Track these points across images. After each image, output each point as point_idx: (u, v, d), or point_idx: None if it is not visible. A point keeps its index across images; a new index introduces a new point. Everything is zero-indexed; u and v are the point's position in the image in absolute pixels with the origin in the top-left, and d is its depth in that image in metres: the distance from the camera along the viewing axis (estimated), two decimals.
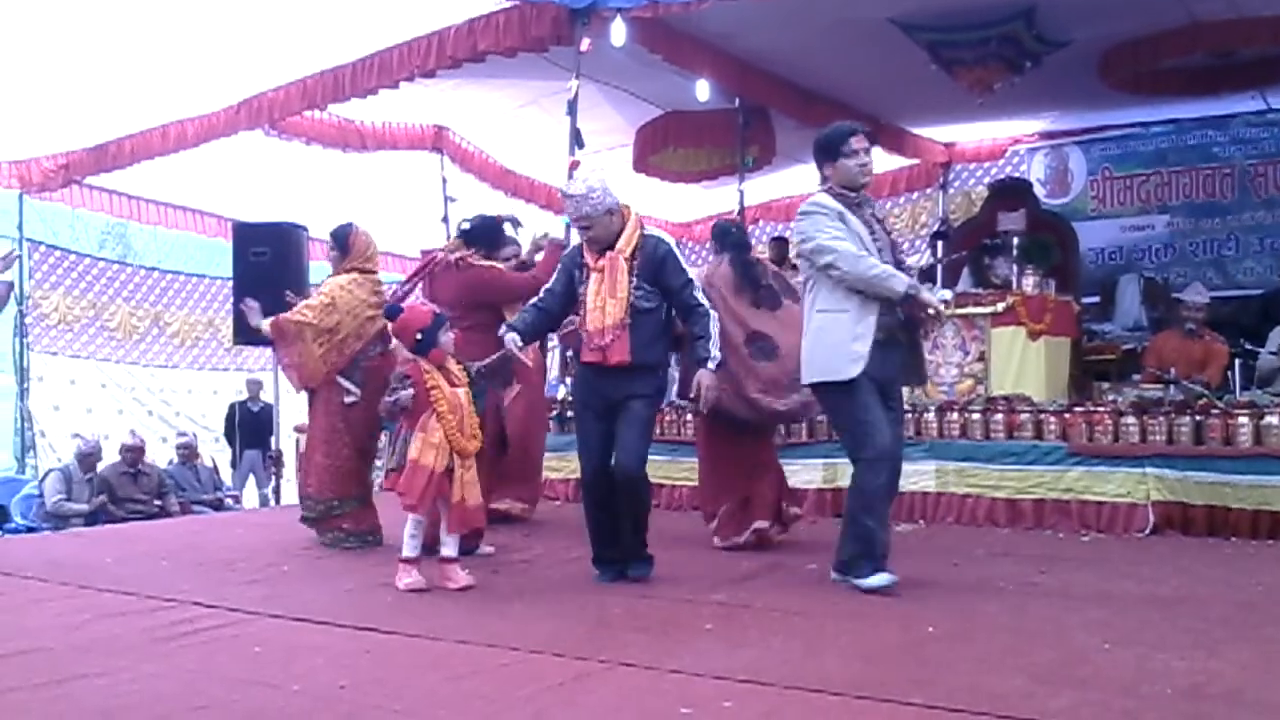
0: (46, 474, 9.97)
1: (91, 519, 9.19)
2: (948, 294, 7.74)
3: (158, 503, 9.75)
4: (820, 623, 4.02)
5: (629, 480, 4.74)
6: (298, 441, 8.75)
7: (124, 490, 9.63)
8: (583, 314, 4.80)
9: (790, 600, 4.42)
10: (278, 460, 10.17)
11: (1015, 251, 8.36)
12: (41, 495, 9.60)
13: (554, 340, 8.01)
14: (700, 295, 4.85)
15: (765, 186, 12.16)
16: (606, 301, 4.71)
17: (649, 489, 5.02)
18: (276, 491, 10.28)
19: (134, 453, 9.91)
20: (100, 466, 9.86)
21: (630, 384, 4.76)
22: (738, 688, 3.10)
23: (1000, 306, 7.50)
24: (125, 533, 7.48)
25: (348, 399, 5.87)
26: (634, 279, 4.74)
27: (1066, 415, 6.79)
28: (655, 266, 4.77)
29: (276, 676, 3.29)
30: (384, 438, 8.45)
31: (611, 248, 4.77)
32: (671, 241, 5.01)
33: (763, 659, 3.44)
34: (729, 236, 6.07)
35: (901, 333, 4.70)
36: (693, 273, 4.94)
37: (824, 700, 3.00)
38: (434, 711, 2.96)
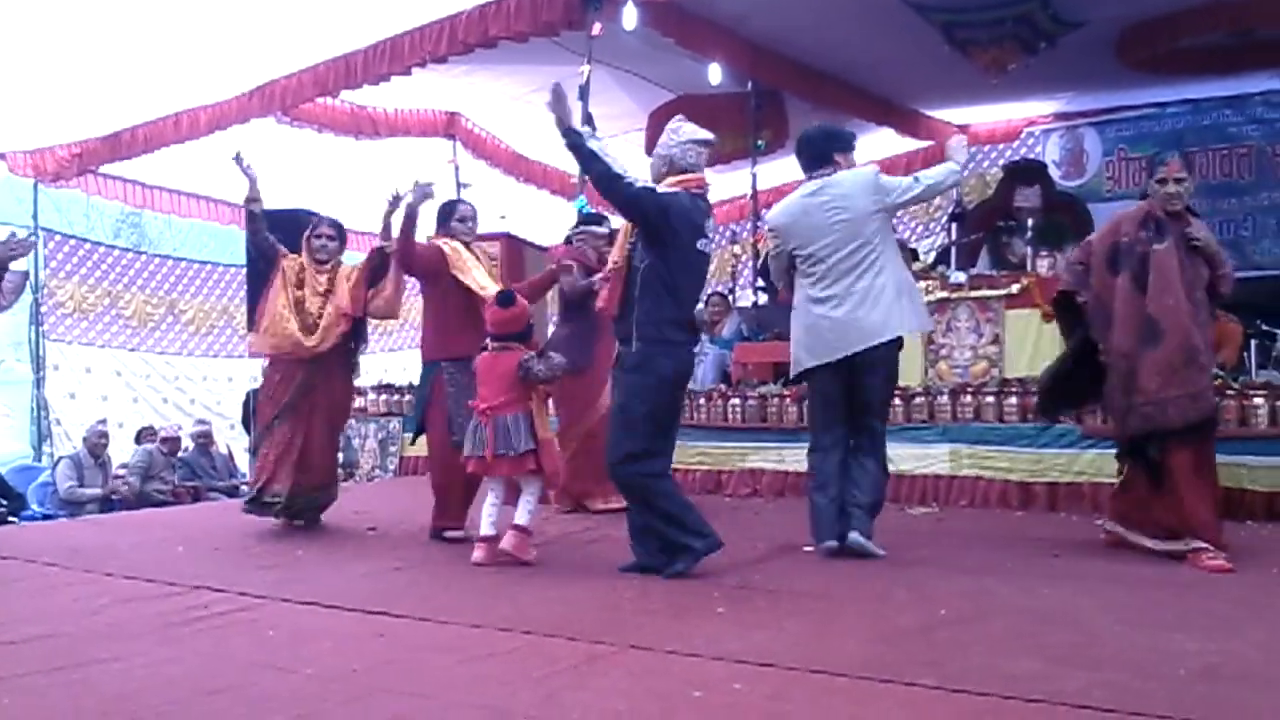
0: (57, 461, 10.05)
1: (106, 505, 9.26)
2: (961, 276, 7.77)
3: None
4: (832, 605, 4.02)
5: None
6: None
7: (155, 469, 9.98)
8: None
9: (802, 583, 4.42)
10: None
11: (1030, 233, 8.30)
12: (54, 483, 9.68)
13: None
14: None
15: (778, 170, 12.08)
16: None
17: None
18: None
19: (171, 442, 10.36)
20: (112, 450, 10.17)
21: None
22: (749, 670, 3.10)
23: (1015, 289, 7.45)
24: (141, 519, 7.52)
25: None
26: None
27: None
28: None
29: (289, 660, 3.30)
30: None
31: None
32: None
33: (774, 641, 3.43)
34: None
35: None
36: None
37: (835, 682, 2.99)
38: (446, 693, 2.97)
